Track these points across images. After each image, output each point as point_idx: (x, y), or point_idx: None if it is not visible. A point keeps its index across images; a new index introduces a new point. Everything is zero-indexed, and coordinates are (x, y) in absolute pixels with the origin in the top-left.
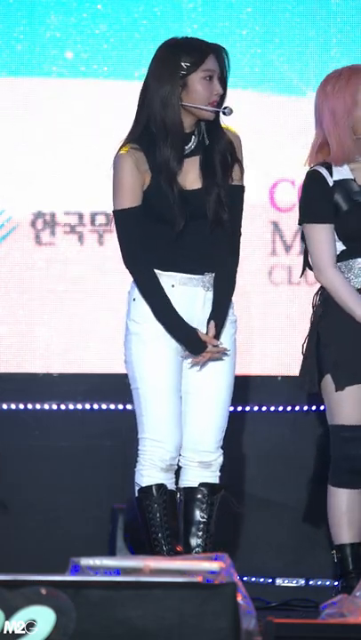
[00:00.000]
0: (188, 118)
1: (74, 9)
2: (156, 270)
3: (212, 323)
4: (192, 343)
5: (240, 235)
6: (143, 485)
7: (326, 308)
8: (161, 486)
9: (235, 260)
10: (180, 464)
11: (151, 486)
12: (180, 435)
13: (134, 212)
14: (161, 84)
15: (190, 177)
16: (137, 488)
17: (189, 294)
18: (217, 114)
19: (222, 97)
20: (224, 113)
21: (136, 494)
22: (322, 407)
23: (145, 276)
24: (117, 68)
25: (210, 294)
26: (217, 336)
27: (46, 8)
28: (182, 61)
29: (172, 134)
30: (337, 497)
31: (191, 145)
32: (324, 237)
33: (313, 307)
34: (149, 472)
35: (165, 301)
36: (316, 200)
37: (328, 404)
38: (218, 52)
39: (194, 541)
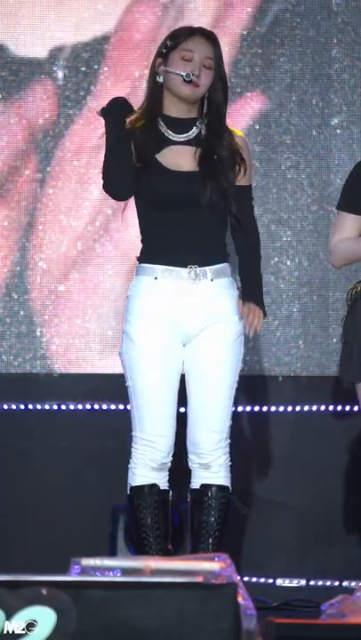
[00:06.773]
0: (181, 104)
1: (74, 8)
2: (141, 264)
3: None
4: (114, 115)
5: (258, 233)
6: (135, 485)
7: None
8: (153, 486)
9: (256, 254)
10: (189, 467)
11: (143, 486)
12: (173, 434)
13: None
14: (151, 66)
15: (185, 161)
16: (129, 486)
17: (172, 286)
18: (203, 101)
19: (217, 85)
20: (183, 77)
21: (128, 492)
22: (322, 407)
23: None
24: (118, 68)
25: (195, 287)
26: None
27: (46, 8)
28: (167, 41)
29: (147, 111)
30: None
31: (190, 134)
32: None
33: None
34: (142, 471)
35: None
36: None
37: None
38: (207, 37)
39: (197, 543)
